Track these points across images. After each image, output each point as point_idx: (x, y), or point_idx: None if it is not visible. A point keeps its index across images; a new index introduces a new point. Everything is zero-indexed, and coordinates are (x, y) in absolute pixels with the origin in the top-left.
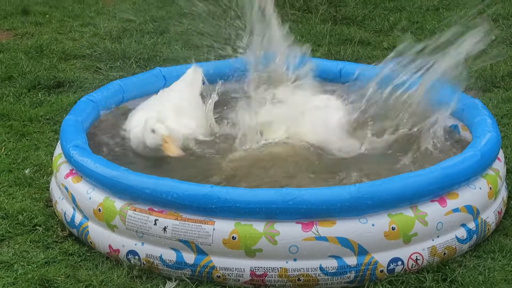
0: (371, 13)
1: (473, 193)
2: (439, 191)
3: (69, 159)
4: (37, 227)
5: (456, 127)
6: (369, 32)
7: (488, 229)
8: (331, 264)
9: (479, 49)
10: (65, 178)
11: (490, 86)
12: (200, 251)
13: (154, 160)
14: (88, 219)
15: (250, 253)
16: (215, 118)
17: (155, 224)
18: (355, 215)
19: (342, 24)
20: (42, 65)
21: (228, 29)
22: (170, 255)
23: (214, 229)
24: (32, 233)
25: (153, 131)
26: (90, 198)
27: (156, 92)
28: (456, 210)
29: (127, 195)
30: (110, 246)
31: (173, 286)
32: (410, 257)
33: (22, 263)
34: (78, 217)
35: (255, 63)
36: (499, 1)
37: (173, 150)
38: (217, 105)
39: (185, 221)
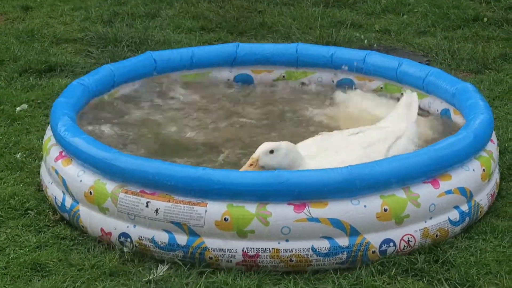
0: None
1: (466, 175)
2: (431, 172)
3: (60, 140)
4: (29, 211)
5: (447, 112)
6: (361, 15)
7: (481, 211)
8: (323, 245)
9: None
10: (55, 161)
11: (481, 68)
12: (192, 233)
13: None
14: (78, 203)
15: (242, 234)
16: None
17: (147, 206)
18: (347, 197)
19: (334, 6)
20: (33, 49)
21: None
22: (162, 237)
23: (206, 211)
24: (24, 217)
25: None
26: (81, 181)
27: (148, 75)
28: (449, 192)
29: (118, 177)
30: (102, 229)
31: (165, 269)
32: (402, 239)
33: (14, 247)
34: (69, 201)
35: None
36: None
37: None
38: None
39: (177, 203)
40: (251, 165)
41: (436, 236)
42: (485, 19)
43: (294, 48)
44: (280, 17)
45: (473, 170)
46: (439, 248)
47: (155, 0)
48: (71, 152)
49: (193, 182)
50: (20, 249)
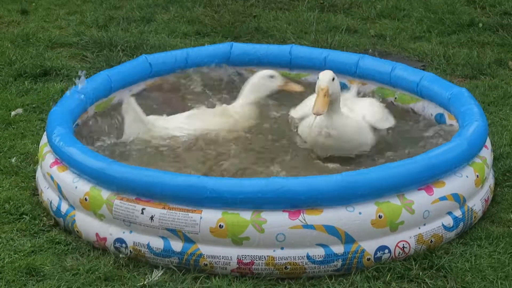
0: (358, 0)
1: (459, 181)
2: (425, 180)
3: (55, 149)
4: (23, 216)
5: (442, 116)
6: (356, 20)
7: (475, 216)
8: (318, 252)
9: None
10: (50, 167)
11: (477, 73)
12: (187, 239)
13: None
14: (74, 208)
15: (237, 242)
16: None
17: (142, 213)
18: (342, 204)
19: (329, 11)
20: (29, 53)
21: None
22: (157, 243)
23: (201, 218)
24: (18, 222)
25: (271, 76)
26: (76, 187)
27: (144, 79)
28: (443, 198)
29: (113, 187)
30: (97, 235)
31: (160, 274)
32: (397, 245)
33: (9, 252)
34: (64, 206)
35: None
36: None
37: (295, 87)
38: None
39: (172, 210)
40: (325, 95)
41: (430, 242)
42: (480, 25)
43: (288, 50)
44: (275, 22)
45: (467, 176)
46: (434, 254)
47: (150, 4)
48: (66, 162)
49: (187, 191)
50: (15, 254)
